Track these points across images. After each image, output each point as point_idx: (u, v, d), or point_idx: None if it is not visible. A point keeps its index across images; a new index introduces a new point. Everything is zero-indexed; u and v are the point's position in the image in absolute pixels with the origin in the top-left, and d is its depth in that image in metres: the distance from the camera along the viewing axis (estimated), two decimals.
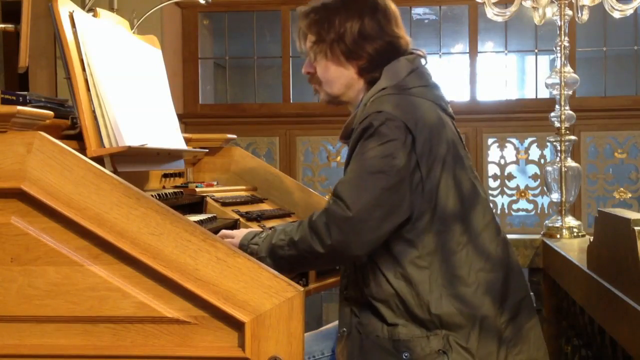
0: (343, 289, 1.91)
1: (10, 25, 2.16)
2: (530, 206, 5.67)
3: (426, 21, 6.88)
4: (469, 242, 1.79)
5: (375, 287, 1.78)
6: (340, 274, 1.95)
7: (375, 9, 1.89)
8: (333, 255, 1.76)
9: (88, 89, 1.89)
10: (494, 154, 5.76)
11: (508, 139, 5.71)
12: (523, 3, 3.37)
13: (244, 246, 1.85)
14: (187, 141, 2.53)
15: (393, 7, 1.94)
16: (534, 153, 5.72)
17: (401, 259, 1.76)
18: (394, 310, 1.76)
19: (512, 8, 3.37)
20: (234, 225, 2.37)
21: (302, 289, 1.52)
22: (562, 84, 3.29)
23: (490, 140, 5.72)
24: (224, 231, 1.99)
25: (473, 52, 5.93)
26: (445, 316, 1.73)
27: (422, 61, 1.93)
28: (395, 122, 1.74)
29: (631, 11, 3.25)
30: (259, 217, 2.43)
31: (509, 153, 5.73)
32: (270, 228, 2.23)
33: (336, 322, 2.21)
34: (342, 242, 1.72)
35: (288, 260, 1.79)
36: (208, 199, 2.44)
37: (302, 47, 1.96)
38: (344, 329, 1.86)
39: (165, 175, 2.47)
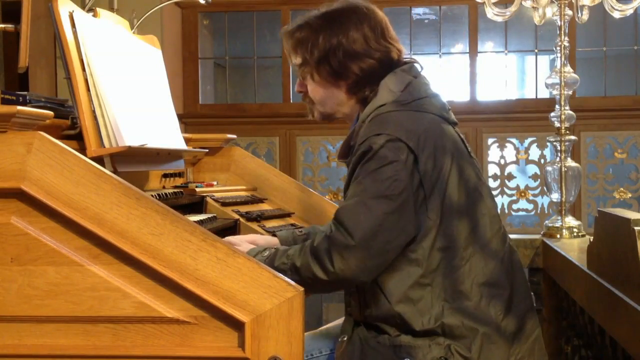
0: (347, 305, 1.87)
1: (10, 25, 2.16)
2: (530, 206, 5.68)
3: (426, 21, 6.88)
4: (473, 256, 1.75)
5: (376, 309, 1.75)
6: (344, 291, 1.90)
7: (361, 22, 1.81)
8: (337, 282, 1.71)
9: (88, 89, 1.89)
10: (494, 154, 5.76)
11: (508, 139, 5.71)
12: (523, 3, 3.37)
13: None
14: (187, 141, 2.53)
15: (380, 15, 1.86)
16: (534, 153, 5.72)
17: (405, 280, 1.72)
18: (395, 326, 1.73)
19: (512, 8, 3.37)
20: (234, 225, 2.37)
21: (302, 289, 1.52)
22: (562, 84, 3.29)
23: (490, 140, 5.72)
24: (228, 238, 1.95)
25: (473, 52, 5.93)
26: (447, 327, 1.71)
27: (418, 67, 1.87)
28: (396, 143, 1.69)
29: (631, 11, 3.25)
30: (259, 217, 2.43)
31: (509, 153, 5.74)
32: (273, 232, 2.21)
33: (335, 322, 2.21)
34: (346, 270, 1.66)
35: None
36: (208, 199, 2.44)
37: (294, 64, 1.91)
38: (345, 335, 1.83)
39: (165, 175, 2.47)
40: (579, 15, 3.28)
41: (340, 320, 2.20)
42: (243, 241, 1.92)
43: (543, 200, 5.68)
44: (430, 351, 1.70)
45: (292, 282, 1.51)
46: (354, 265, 1.66)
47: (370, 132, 1.73)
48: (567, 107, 3.31)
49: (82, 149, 1.81)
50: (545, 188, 3.92)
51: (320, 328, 2.23)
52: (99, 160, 1.80)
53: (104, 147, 1.87)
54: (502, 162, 5.73)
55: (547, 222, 3.39)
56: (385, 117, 1.75)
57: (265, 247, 1.85)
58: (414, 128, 1.73)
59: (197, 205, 2.41)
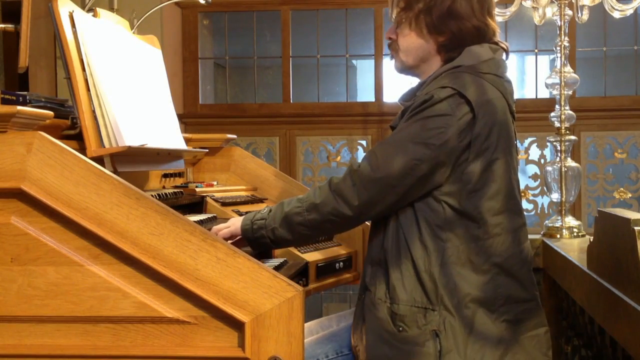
0: (369, 249, 1.91)
1: (10, 25, 2.16)
2: (530, 206, 5.67)
3: None
4: (494, 237, 1.78)
5: (394, 246, 1.78)
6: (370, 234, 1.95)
7: None
8: (359, 217, 1.79)
9: (88, 89, 1.89)
10: None
11: None
12: (523, 3, 3.37)
13: (247, 226, 1.86)
14: (187, 141, 2.53)
15: None
16: (534, 153, 5.71)
17: (424, 225, 1.76)
18: (402, 272, 1.76)
19: (512, 8, 3.37)
20: None
21: (302, 289, 1.52)
22: (562, 84, 3.29)
23: None
24: (215, 227, 1.97)
25: None
26: (447, 291, 1.73)
27: (504, 55, 1.93)
28: (458, 99, 1.74)
29: (631, 11, 3.25)
30: None
31: None
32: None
33: (341, 325, 2.22)
34: (369, 203, 1.75)
35: (308, 225, 1.80)
36: (208, 199, 2.44)
37: (393, 12, 1.95)
38: (361, 292, 1.88)
39: (165, 175, 2.47)
40: (579, 15, 3.28)
41: (344, 315, 2.23)
42: (230, 222, 1.95)
43: (543, 200, 5.68)
44: (424, 320, 1.73)
45: (292, 282, 1.52)
46: (377, 199, 1.74)
47: (437, 84, 1.79)
48: (567, 107, 3.31)
49: (82, 149, 1.81)
50: (545, 188, 3.92)
51: (324, 332, 2.23)
52: (99, 160, 1.80)
53: (104, 147, 1.87)
54: None
55: (547, 222, 3.39)
56: (456, 75, 1.80)
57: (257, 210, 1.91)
58: (481, 92, 1.77)
59: (197, 205, 2.41)
